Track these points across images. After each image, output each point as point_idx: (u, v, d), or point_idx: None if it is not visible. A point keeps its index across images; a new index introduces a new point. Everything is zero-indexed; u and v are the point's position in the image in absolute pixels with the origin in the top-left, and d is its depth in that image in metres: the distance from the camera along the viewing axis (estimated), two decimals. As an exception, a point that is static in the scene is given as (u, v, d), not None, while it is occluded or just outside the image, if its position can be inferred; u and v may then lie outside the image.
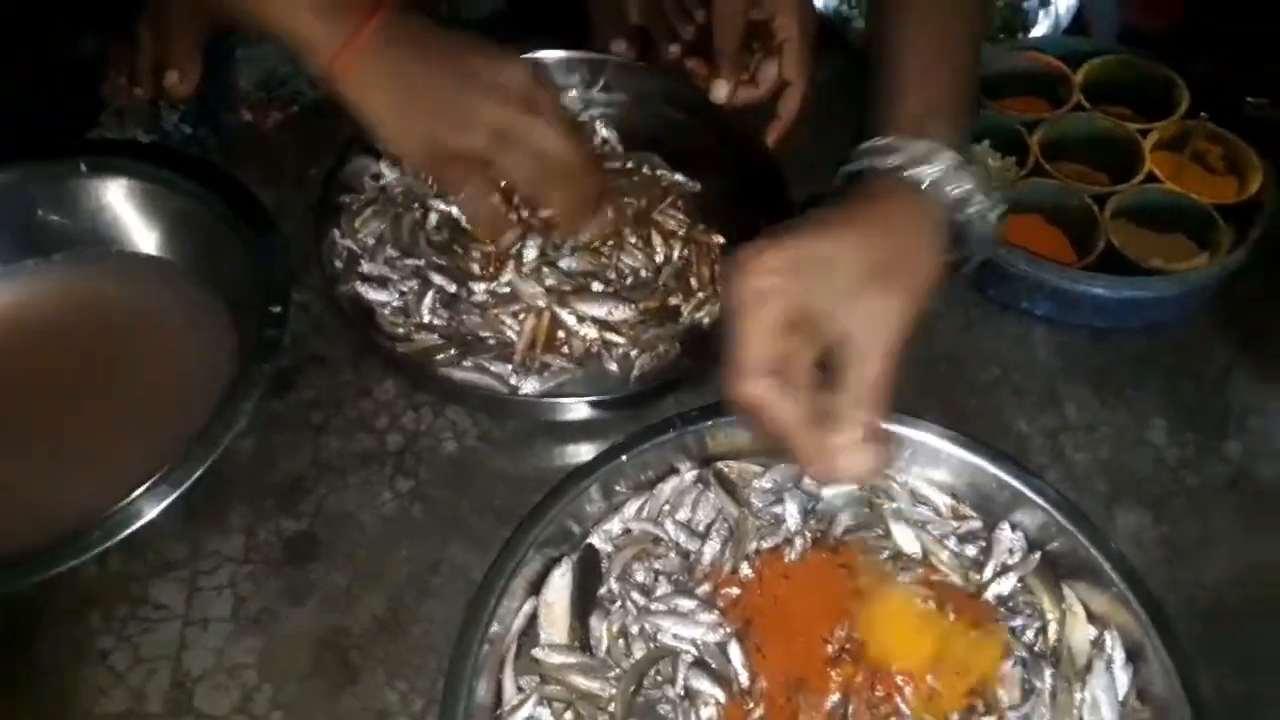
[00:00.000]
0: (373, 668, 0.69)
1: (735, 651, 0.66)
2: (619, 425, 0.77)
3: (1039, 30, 1.13)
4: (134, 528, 0.68)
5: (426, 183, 0.90)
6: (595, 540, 0.73)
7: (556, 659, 0.67)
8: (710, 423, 0.74)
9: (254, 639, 0.70)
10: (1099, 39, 1.08)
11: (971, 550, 0.73)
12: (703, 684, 0.65)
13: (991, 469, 0.73)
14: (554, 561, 0.71)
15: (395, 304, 0.85)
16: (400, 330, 0.84)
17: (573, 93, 1.00)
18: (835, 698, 0.65)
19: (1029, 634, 0.69)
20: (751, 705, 0.65)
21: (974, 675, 0.66)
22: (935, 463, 0.75)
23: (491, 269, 0.86)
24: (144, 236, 0.89)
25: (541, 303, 0.83)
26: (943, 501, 0.75)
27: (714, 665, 0.66)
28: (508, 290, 0.85)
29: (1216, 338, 0.88)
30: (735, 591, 0.70)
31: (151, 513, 0.69)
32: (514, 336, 0.83)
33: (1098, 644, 0.68)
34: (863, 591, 0.69)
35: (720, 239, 0.90)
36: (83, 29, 1.03)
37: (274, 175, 0.95)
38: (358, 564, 0.74)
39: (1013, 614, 0.70)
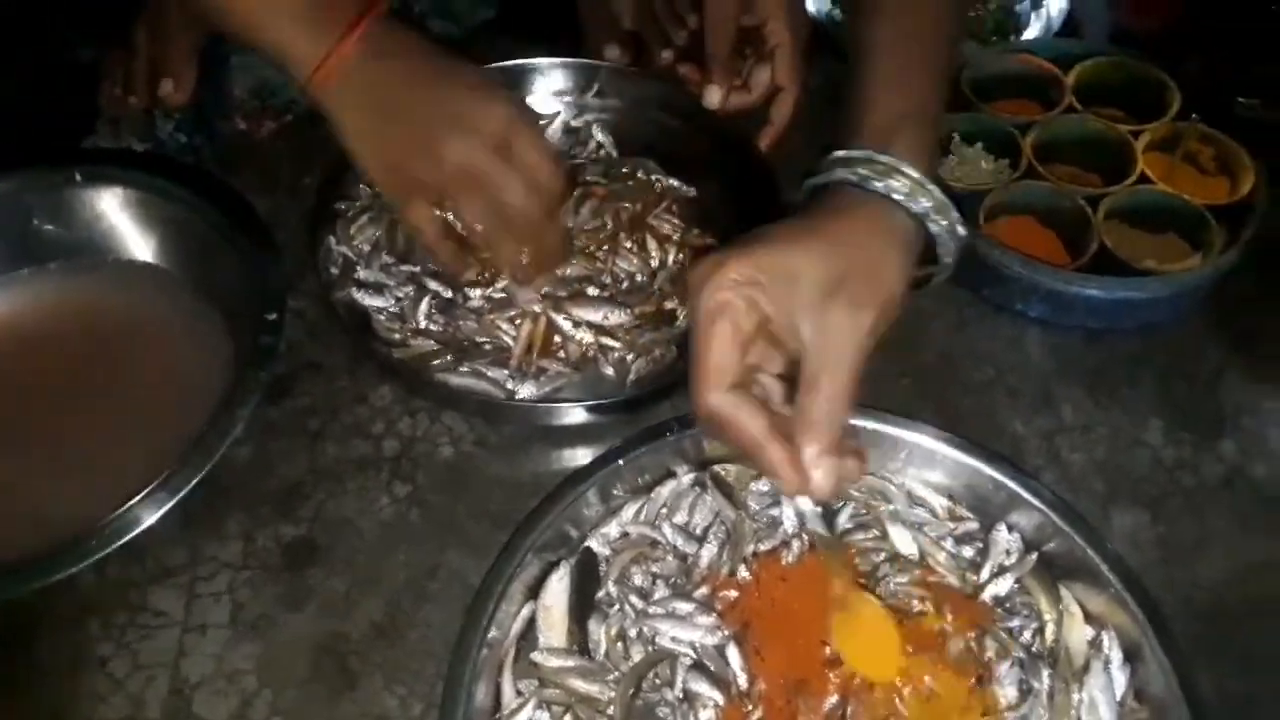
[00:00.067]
0: (371, 673, 0.69)
1: (733, 654, 0.66)
2: (615, 429, 0.77)
3: (1031, 33, 1.14)
4: (132, 534, 0.69)
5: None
6: (593, 544, 0.73)
7: (555, 662, 0.67)
8: (706, 426, 0.74)
9: (252, 645, 0.70)
10: (1090, 41, 1.08)
11: (968, 551, 0.73)
12: (701, 686, 0.65)
13: (988, 470, 0.73)
14: (552, 565, 0.71)
15: (391, 310, 0.85)
16: (396, 336, 0.84)
17: (559, 119, 1.00)
18: (834, 699, 0.65)
19: (1026, 635, 0.69)
20: (750, 707, 0.65)
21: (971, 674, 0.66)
22: (931, 464, 0.75)
23: (487, 274, 0.86)
24: (139, 245, 0.90)
25: (537, 308, 0.84)
26: (939, 503, 0.75)
27: (712, 668, 0.67)
28: (503, 295, 0.85)
29: (1210, 338, 0.88)
30: (733, 594, 0.70)
31: (149, 519, 0.69)
32: (510, 342, 0.83)
33: (1095, 644, 0.68)
34: (837, 601, 0.68)
35: (715, 243, 0.90)
36: (77, 38, 1.03)
37: (268, 183, 0.96)
38: (356, 569, 0.74)
39: (1010, 615, 0.70)
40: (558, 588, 0.71)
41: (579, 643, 0.69)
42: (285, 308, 0.81)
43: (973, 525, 0.74)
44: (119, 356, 0.84)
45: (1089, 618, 0.70)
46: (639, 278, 0.88)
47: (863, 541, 0.73)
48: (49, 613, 0.71)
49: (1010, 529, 0.73)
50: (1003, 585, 0.70)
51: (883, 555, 0.72)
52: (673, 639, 0.68)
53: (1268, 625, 0.73)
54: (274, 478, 0.78)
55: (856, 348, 0.58)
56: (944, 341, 0.87)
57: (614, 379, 0.83)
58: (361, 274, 0.87)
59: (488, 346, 0.83)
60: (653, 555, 0.73)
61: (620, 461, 0.73)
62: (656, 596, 0.70)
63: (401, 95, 0.73)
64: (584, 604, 0.70)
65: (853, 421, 0.74)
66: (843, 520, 0.73)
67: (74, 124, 0.99)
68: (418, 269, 0.87)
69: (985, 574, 0.71)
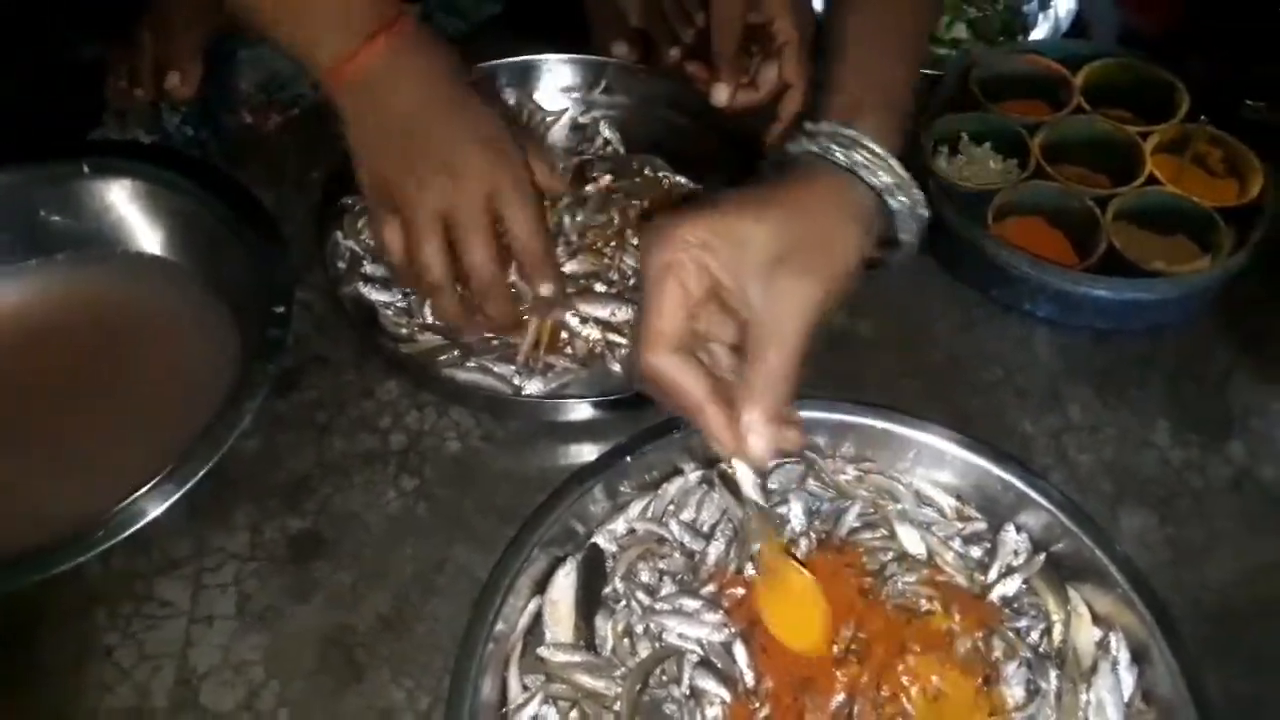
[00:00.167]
0: (378, 665, 0.69)
1: (740, 651, 0.66)
2: (622, 426, 0.77)
3: (1039, 33, 1.14)
4: (139, 525, 0.69)
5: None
6: (600, 540, 0.73)
7: (561, 657, 0.67)
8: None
9: (259, 636, 0.70)
10: (1099, 42, 1.09)
11: (976, 551, 0.73)
12: (708, 683, 0.65)
13: (996, 470, 0.73)
14: (559, 561, 0.71)
15: (398, 305, 0.85)
16: (403, 331, 0.84)
17: (567, 115, 1.00)
18: (840, 698, 0.65)
19: (1034, 635, 0.69)
20: (757, 705, 0.65)
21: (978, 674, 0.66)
22: (940, 464, 0.75)
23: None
24: (147, 237, 0.90)
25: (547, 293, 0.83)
26: (947, 503, 0.75)
27: (719, 665, 0.66)
28: (511, 291, 0.85)
29: (1218, 339, 0.88)
30: (740, 592, 0.69)
31: (156, 511, 0.69)
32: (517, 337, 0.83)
33: (1103, 645, 0.68)
34: (765, 569, 0.67)
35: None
36: (84, 31, 1.03)
37: (274, 177, 0.95)
38: (363, 562, 0.74)
39: (1018, 615, 0.70)
40: (564, 583, 0.71)
41: (585, 638, 0.69)
42: (293, 301, 0.81)
43: (981, 525, 0.74)
44: (127, 348, 0.84)
45: (1097, 618, 0.70)
46: (646, 274, 0.88)
47: (870, 541, 0.73)
48: (56, 603, 0.71)
49: (1018, 529, 0.73)
50: (1010, 585, 0.70)
51: (890, 555, 0.72)
52: (680, 635, 0.67)
53: (1276, 627, 0.72)
54: (281, 470, 0.78)
55: (803, 317, 0.58)
56: (952, 341, 0.87)
57: (621, 375, 0.82)
58: (368, 269, 0.87)
59: (495, 342, 0.83)
60: (660, 552, 0.72)
61: (627, 458, 0.73)
62: (663, 593, 0.70)
63: (411, 116, 0.72)
64: (591, 600, 0.70)
65: (864, 420, 0.75)
66: (850, 519, 0.73)
67: (79, 120, 0.99)
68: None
69: (993, 574, 0.71)
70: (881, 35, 0.70)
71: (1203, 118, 0.93)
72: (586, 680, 0.66)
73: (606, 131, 0.99)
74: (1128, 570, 0.68)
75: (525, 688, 0.67)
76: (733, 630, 0.67)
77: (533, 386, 0.81)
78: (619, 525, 0.74)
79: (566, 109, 1.01)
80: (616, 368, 0.83)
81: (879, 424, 0.75)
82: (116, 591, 0.71)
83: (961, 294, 0.90)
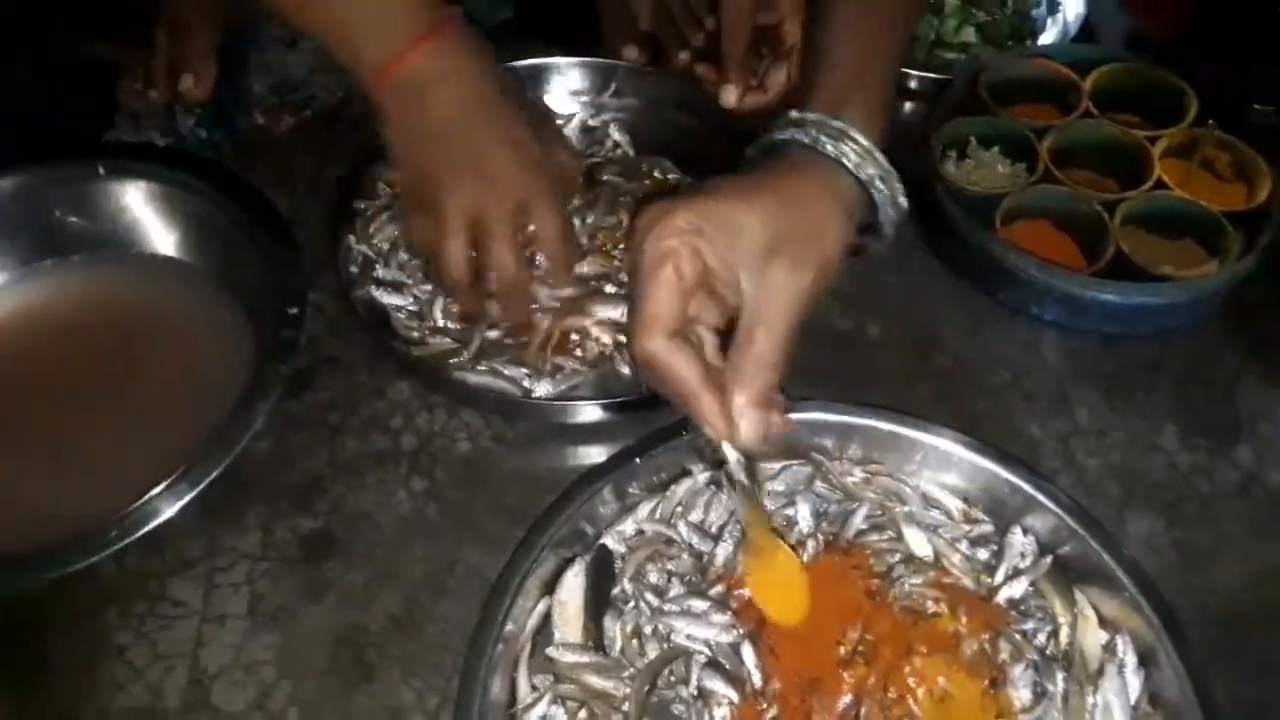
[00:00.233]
0: (389, 666, 0.70)
1: (748, 652, 0.67)
2: (631, 427, 0.77)
3: (1047, 37, 1.14)
4: (152, 525, 0.69)
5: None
6: (608, 541, 0.73)
7: (570, 658, 0.68)
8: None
9: (271, 636, 0.71)
10: (1107, 46, 1.09)
11: (983, 554, 0.73)
12: (716, 684, 0.66)
13: (1003, 473, 0.74)
14: (568, 562, 0.72)
15: (410, 308, 0.86)
16: (415, 334, 0.85)
17: (577, 118, 1.01)
18: (848, 699, 0.66)
19: (1041, 637, 0.69)
20: (765, 706, 0.66)
21: (985, 676, 0.66)
22: (947, 467, 0.75)
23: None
24: (162, 238, 0.90)
25: (556, 304, 0.84)
26: (954, 505, 0.75)
27: (727, 666, 0.67)
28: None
29: (1226, 344, 0.88)
30: (748, 593, 0.70)
31: (169, 511, 0.70)
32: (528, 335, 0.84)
33: (1110, 648, 0.69)
34: (752, 548, 0.69)
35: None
36: (97, 32, 1.04)
37: (287, 179, 0.96)
38: (374, 563, 0.74)
39: (1024, 617, 0.70)
40: (573, 584, 0.71)
41: (594, 639, 0.69)
42: (306, 302, 0.82)
43: (988, 528, 0.74)
44: (141, 349, 0.84)
45: (1103, 621, 0.70)
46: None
47: (878, 543, 0.73)
48: (69, 602, 0.71)
49: (1025, 532, 0.73)
50: (1017, 588, 0.70)
51: (898, 557, 0.72)
52: (688, 636, 0.68)
53: (1283, 631, 0.73)
54: (294, 471, 0.78)
55: (793, 305, 0.60)
56: (960, 344, 0.88)
57: (630, 377, 0.83)
58: (381, 272, 0.88)
59: (508, 340, 0.84)
60: (668, 553, 0.73)
61: (636, 460, 0.74)
62: (672, 594, 0.70)
63: (450, 119, 0.74)
64: (599, 600, 0.70)
65: (871, 423, 0.76)
66: (858, 521, 0.73)
67: (91, 122, 1.00)
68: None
69: (1000, 576, 0.71)
70: (866, 28, 0.71)
71: (1211, 122, 0.93)
72: (595, 681, 0.67)
73: (616, 134, 0.99)
74: (1135, 574, 0.68)
75: (534, 688, 0.67)
76: (741, 631, 0.67)
77: (542, 389, 0.81)
78: (628, 526, 0.74)
79: (576, 112, 1.01)
80: (626, 370, 0.83)
81: (886, 426, 0.76)
82: (129, 591, 0.72)
83: (969, 297, 0.90)
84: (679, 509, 0.75)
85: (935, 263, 0.92)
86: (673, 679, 0.67)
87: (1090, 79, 0.99)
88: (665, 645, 0.68)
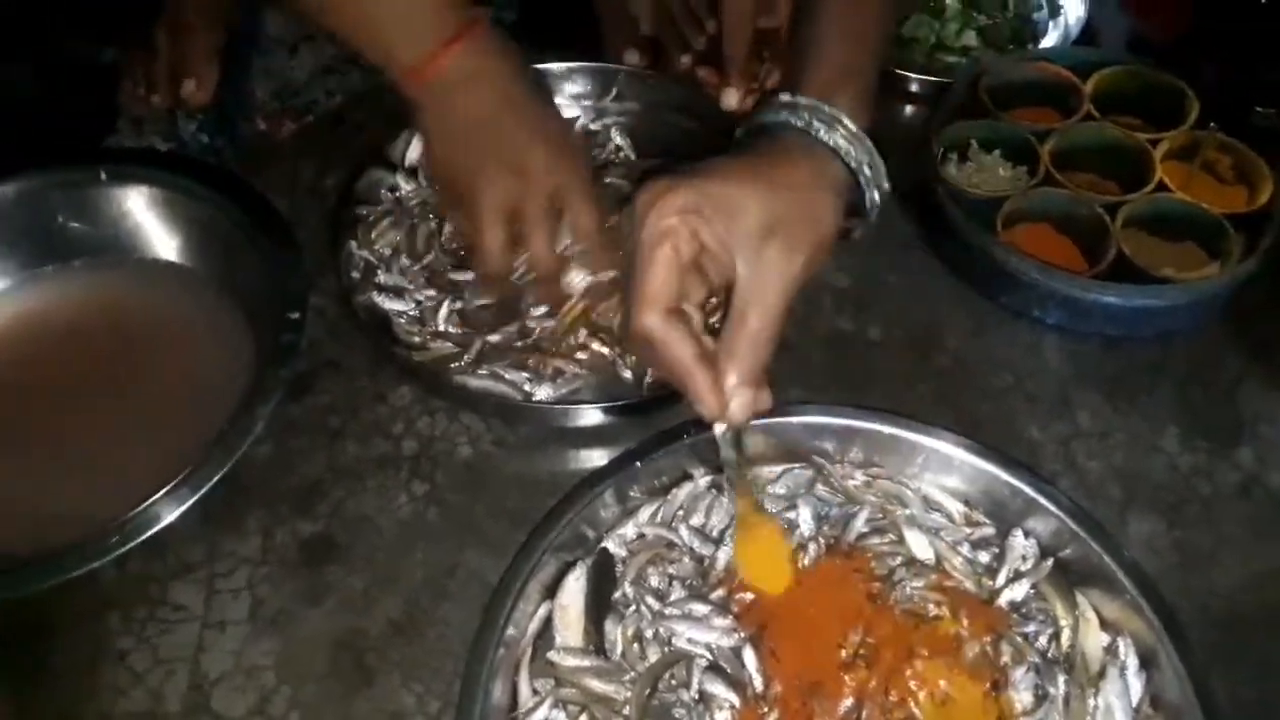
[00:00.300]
0: (389, 670, 0.70)
1: (749, 656, 0.67)
2: (632, 431, 0.78)
3: (1048, 41, 1.14)
4: (153, 530, 0.69)
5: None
6: (609, 545, 0.73)
7: (571, 662, 0.68)
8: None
9: (271, 640, 0.71)
10: (1108, 49, 1.09)
11: (985, 556, 0.73)
12: (717, 688, 0.65)
13: (1004, 476, 0.73)
14: (569, 566, 0.72)
15: (411, 313, 0.86)
16: (416, 339, 0.85)
17: (579, 123, 1.01)
18: (849, 702, 0.65)
19: (1042, 640, 0.69)
20: (766, 709, 0.65)
21: (987, 679, 0.66)
22: (948, 469, 0.75)
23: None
24: (163, 243, 0.90)
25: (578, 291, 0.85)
26: (956, 508, 0.75)
27: (728, 669, 0.67)
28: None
29: (1227, 346, 0.88)
30: (749, 597, 0.70)
31: (170, 516, 0.70)
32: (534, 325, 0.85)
33: (1111, 650, 0.68)
34: (740, 520, 0.70)
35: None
36: (100, 37, 1.04)
37: (288, 184, 0.96)
38: (375, 567, 0.74)
39: (1026, 620, 0.70)
40: (574, 587, 0.71)
41: (595, 643, 0.69)
42: (307, 307, 0.82)
43: (989, 530, 0.74)
44: (142, 353, 0.85)
45: (1105, 624, 0.70)
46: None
47: (879, 546, 0.73)
48: (70, 607, 0.71)
49: (1027, 534, 0.73)
50: (1019, 590, 0.70)
51: (899, 559, 0.72)
52: (689, 640, 0.68)
53: (1284, 633, 0.73)
54: (294, 475, 0.78)
55: (786, 287, 0.61)
56: (961, 347, 0.88)
57: (631, 381, 0.83)
58: (382, 278, 0.88)
59: (518, 345, 0.84)
60: (669, 557, 0.73)
61: (637, 463, 0.74)
62: (673, 598, 0.70)
63: (484, 116, 0.76)
64: (600, 604, 0.70)
65: (872, 425, 0.75)
66: (859, 524, 0.73)
67: (93, 125, 1.00)
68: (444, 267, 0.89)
69: (1001, 579, 0.71)
70: (853, 24, 0.72)
71: (1212, 124, 0.93)
72: (596, 685, 0.67)
73: (618, 138, 0.99)
74: (1136, 576, 0.68)
75: (535, 692, 0.67)
76: (742, 635, 0.67)
77: (543, 392, 0.81)
78: (629, 530, 0.74)
79: (578, 116, 1.01)
80: (627, 374, 0.83)
81: (887, 429, 0.75)
82: (130, 596, 0.72)
83: (970, 300, 0.90)
84: (680, 513, 0.75)
85: (936, 265, 0.92)
86: (674, 683, 0.67)
87: (1091, 82, 0.99)
88: (666, 649, 0.68)
